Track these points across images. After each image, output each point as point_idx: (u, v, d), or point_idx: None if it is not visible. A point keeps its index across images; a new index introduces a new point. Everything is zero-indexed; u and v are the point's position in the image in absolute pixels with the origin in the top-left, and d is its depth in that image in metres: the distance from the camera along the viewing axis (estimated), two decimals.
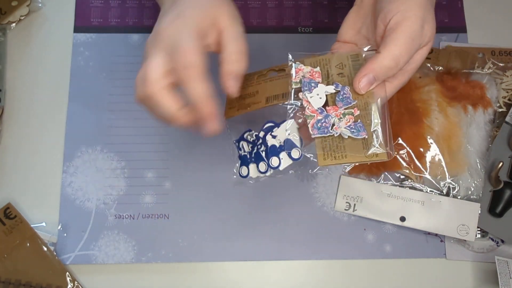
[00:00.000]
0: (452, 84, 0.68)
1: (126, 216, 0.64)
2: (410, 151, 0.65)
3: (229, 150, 0.66)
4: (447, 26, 0.73)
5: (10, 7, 0.70)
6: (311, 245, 0.64)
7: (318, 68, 0.45)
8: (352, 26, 0.49)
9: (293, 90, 0.45)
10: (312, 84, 0.44)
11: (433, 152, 0.65)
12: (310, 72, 0.45)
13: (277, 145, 0.45)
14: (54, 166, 0.65)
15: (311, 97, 0.43)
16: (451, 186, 0.65)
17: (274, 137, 0.45)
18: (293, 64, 0.46)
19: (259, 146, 0.45)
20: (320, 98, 0.43)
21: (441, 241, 0.64)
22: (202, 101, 0.41)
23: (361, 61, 0.46)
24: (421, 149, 0.65)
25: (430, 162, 0.65)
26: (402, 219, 0.64)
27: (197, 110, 0.41)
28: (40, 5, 0.72)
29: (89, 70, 0.69)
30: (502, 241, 0.64)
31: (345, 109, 0.43)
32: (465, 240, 0.64)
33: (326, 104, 0.44)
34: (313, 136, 0.43)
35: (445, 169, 0.65)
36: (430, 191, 0.65)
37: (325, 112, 0.43)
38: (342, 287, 0.63)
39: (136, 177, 0.65)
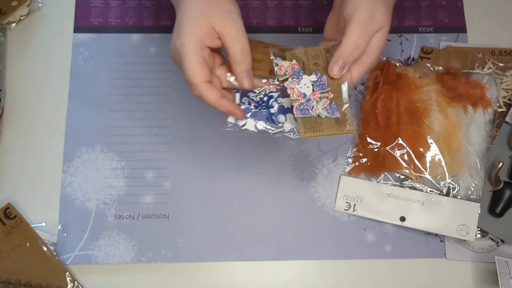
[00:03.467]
0: (452, 84, 0.68)
1: (126, 216, 0.64)
2: (410, 151, 0.65)
3: (229, 150, 0.66)
4: (447, 26, 0.73)
5: (10, 7, 0.70)
6: (311, 245, 0.64)
7: (294, 61, 0.53)
8: (331, 26, 0.57)
9: (279, 81, 0.53)
10: (301, 74, 0.52)
11: (433, 152, 0.65)
12: (290, 66, 0.53)
13: (285, 107, 0.53)
14: (54, 166, 0.65)
15: (300, 87, 0.52)
16: (451, 186, 0.65)
17: (279, 103, 0.54)
18: (274, 61, 0.53)
19: (263, 106, 0.53)
20: (308, 87, 0.52)
21: (441, 241, 0.65)
22: (215, 105, 0.50)
23: (332, 53, 0.54)
24: (421, 149, 0.65)
25: (430, 162, 0.65)
26: (402, 219, 0.64)
27: (220, 109, 0.51)
28: (40, 5, 0.72)
29: (89, 70, 0.69)
30: (502, 241, 0.64)
31: (321, 93, 0.52)
32: (465, 240, 0.64)
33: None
34: (296, 116, 0.51)
35: (445, 169, 0.65)
36: (430, 191, 0.65)
37: (307, 97, 0.52)
38: (342, 287, 0.63)
39: (136, 177, 0.65)
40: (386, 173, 0.66)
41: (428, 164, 0.65)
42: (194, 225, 0.64)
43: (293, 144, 0.67)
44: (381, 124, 0.66)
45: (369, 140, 0.66)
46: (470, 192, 0.64)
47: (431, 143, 0.65)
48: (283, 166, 0.66)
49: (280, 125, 0.53)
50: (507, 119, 0.67)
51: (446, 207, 0.64)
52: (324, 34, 0.58)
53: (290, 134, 0.53)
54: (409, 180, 0.65)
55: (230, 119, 0.53)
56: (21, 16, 0.70)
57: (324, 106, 0.51)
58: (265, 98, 0.54)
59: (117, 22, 0.71)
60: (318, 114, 0.51)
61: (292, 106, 0.52)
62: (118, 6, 0.72)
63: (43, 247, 0.61)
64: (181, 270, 0.63)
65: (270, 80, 0.54)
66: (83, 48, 0.70)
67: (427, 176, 0.65)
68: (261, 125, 0.53)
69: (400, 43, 0.72)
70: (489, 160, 0.66)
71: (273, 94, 0.54)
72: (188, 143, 0.67)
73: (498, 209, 0.64)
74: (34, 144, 0.66)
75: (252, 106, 0.53)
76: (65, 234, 0.63)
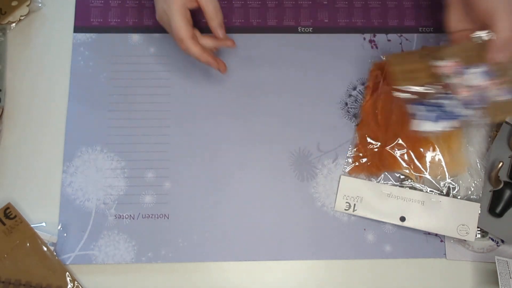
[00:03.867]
0: None
1: (126, 216, 0.64)
2: (410, 151, 0.65)
3: (229, 151, 0.66)
4: None
5: (10, 7, 0.70)
6: (311, 245, 0.64)
7: (453, 59, 0.57)
8: (458, 20, 0.60)
9: (444, 81, 0.58)
10: (464, 69, 0.57)
11: (433, 152, 0.65)
12: (451, 64, 0.57)
13: (458, 102, 0.57)
14: (54, 166, 0.65)
15: (467, 81, 0.56)
16: (451, 186, 0.65)
17: (452, 100, 0.58)
18: (440, 63, 0.57)
19: (438, 108, 0.58)
20: (475, 79, 0.56)
21: (441, 241, 0.65)
22: (199, 56, 0.61)
23: (483, 42, 0.57)
24: (421, 149, 0.65)
25: (430, 162, 0.65)
26: (402, 219, 0.64)
27: (202, 59, 0.61)
28: (40, 5, 0.72)
29: (89, 70, 0.69)
30: (502, 241, 0.64)
31: (490, 80, 0.56)
32: (465, 240, 0.64)
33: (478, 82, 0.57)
34: (474, 108, 0.56)
35: (445, 169, 0.65)
36: (430, 191, 0.65)
37: (477, 88, 0.56)
38: (342, 287, 0.63)
39: (136, 177, 0.65)
40: (386, 173, 0.66)
41: (428, 164, 0.65)
42: (194, 225, 0.64)
43: (293, 144, 0.67)
44: (381, 124, 0.66)
45: (369, 140, 0.66)
46: (470, 192, 0.64)
47: (431, 143, 0.65)
48: (283, 166, 0.66)
49: (457, 119, 0.57)
50: (507, 119, 0.67)
51: (446, 207, 0.64)
52: (451, 28, 0.61)
53: (471, 123, 0.58)
54: (409, 180, 0.65)
55: (414, 126, 0.58)
56: (21, 16, 0.70)
57: (498, 91, 0.55)
58: (437, 101, 0.58)
59: (117, 22, 0.71)
60: (495, 101, 0.56)
61: (464, 101, 0.56)
62: (118, 6, 0.72)
63: (43, 247, 0.61)
64: (181, 270, 0.63)
65: (435, 83, 0.57)
66: (83, 48, 0.70)
67: (427, 176, 0.65)
68: (440, 125, 0.58)
69: (400, 43, 0.72)
70: (489, 160, 0.66)
71: (443, 94, 0.58)
72: (188, 143, 0.67)
73: (498, 209, 0.64)
74: (34, 144, 0.66)
75: (428, 112, 0.58)
76: (65, 234, 0.63)
